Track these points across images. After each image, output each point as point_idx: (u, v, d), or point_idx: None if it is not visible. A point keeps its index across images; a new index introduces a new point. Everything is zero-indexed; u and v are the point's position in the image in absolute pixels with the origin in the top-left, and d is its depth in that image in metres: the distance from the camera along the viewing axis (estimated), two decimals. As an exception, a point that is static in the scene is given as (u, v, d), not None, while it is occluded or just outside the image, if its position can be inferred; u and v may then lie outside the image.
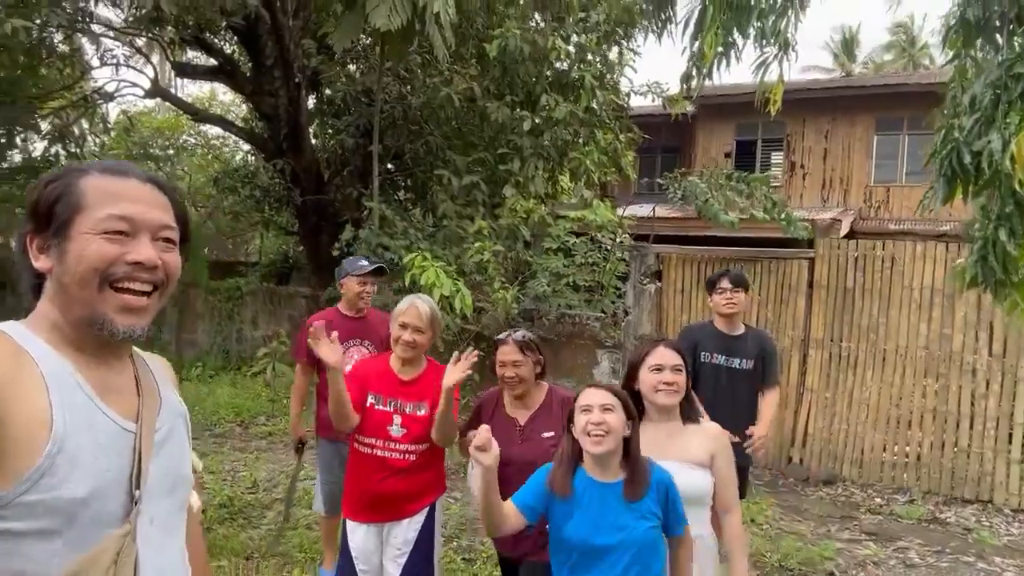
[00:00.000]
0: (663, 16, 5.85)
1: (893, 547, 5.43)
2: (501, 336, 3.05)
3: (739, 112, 14.23)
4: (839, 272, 7.15)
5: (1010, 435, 6.33)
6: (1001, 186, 3.48)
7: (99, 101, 11.16)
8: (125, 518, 1.11)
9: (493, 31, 8.54)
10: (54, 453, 1.03)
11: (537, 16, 9.89)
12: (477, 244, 7.44)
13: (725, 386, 4.12)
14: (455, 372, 2.78)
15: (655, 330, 7.92)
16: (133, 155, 13.69)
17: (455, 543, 5.00)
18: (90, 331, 1.16)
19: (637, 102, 11.13)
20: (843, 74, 24.71)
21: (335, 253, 7.93)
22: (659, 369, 2.57)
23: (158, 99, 13.21)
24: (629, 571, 2.17)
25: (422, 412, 2.96)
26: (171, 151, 17.57)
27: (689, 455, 2.53)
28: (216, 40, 11.98)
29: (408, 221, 8.41)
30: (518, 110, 8.78)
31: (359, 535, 3.05)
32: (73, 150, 10.55)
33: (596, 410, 2.23)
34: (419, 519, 3.01)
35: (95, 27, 9.24)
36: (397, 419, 2.96)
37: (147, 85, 11.40)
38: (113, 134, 13.41)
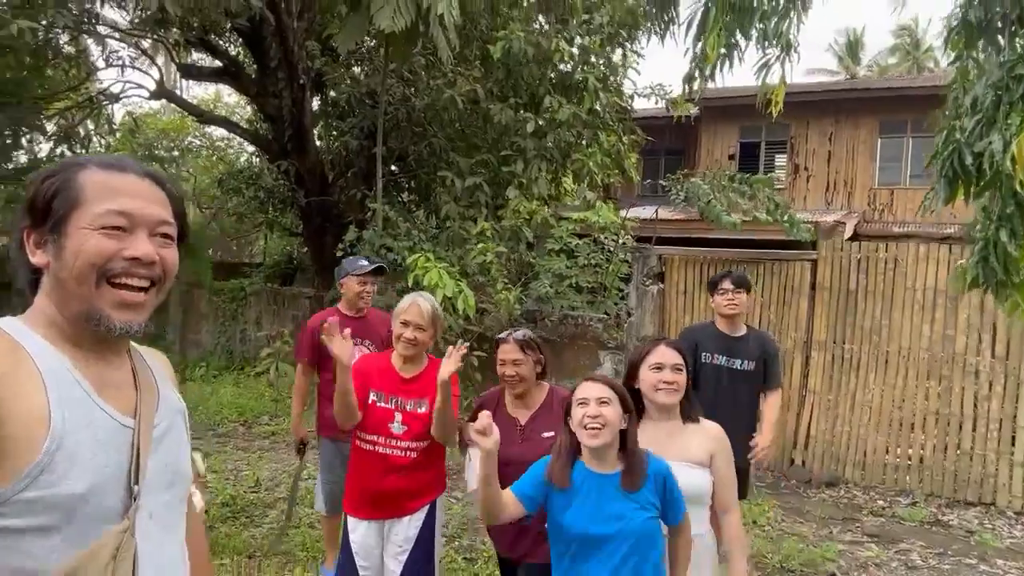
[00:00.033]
0: (666, 17, 5.85)
1: (895, 549, 5.42)
2: (502, 335, 3.05)
3: (743, 114, 14.23)
4: (842, 274, 7.15)
5: (1013, 437, 6.32)
6: (1002, 187, 3.48)
7: (104, 102, 11.21)
8: (124, 513, 1.11)
9: (497, 33, 8.56)
10: (53, 450, 1.03)
11: (541, 18, 9.92)
12: (480, 245, 7.46)
13: (726, 387, 4.12)
14: (449, 365, 2.79)
15: (658, 331, 7.93)
16: (138, 156, 13.72)
17: (456, 543, 5.01)
18: (87, 327, 1.16)
19: (641, 104, 11.13)
20: (847, 77, 24.72)
21: (339, 254, 7.95)
22: (659, 368, 2.57)
23: (163, 101, 13.26)
24: (627, 561, 2.18)
25: (423, 410, 2.97)
26: (176, 153, 17.69)
27: (689, 454, 2.53)
28: (221, 42, 12.05)
29: (411, 222, 8.44)
30: (521, 112, 8.80)
31: (360, 531, 3.06)
32: (78, 151, 10.59)
33: (592, 403, 2.24)
34: (420, 516, 3.03)
35: (101, 28, 9.29)
36: (398, 416, 2.98)
37: (152, 86, 11.47)
38: (118, 135, 13.47)
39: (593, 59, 9.22)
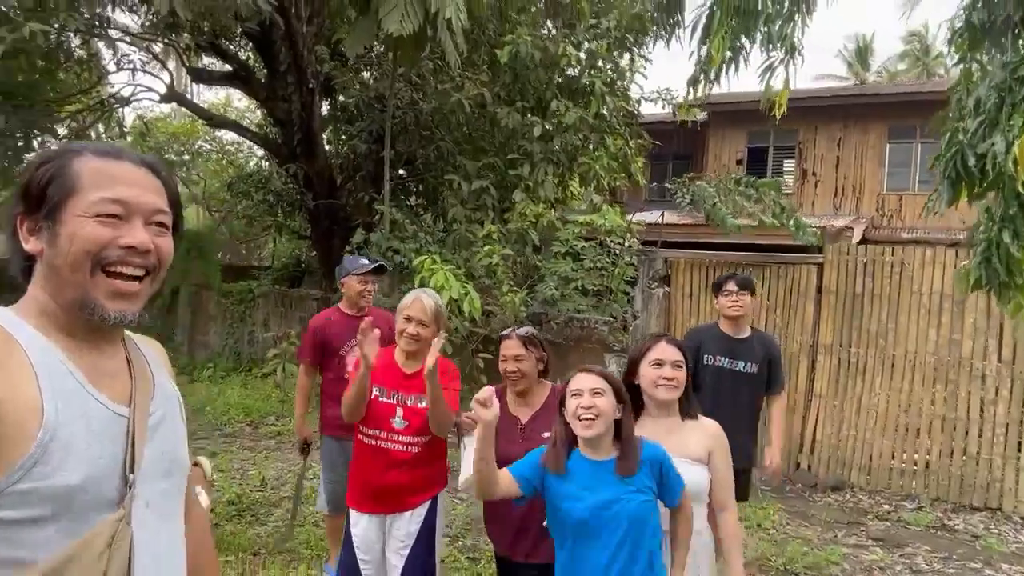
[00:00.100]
0: (671, 21, 5.89)
1: (900, 553, 5.41)
2: (505, 331, 3.07)
3: (751, 119, 14.24)
4: (848, 277, 7.13)
5: (1020, 442, 6.29)
6: (1004, 188, 3.49)
7: (115, 105, 11.32)
8: (120, 503, 1.10)
9: (504, 38, 8.61)
10: (46, 441, 1.02)
11: (548, 23, 9.97)
12: (486, 248, 7.49)
13: (727, 388, 4.09)
14: (430, 356, 2.81)
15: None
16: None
17: (460, 542, 5.03)
18: (81, 315, 1.14)
19: (649, 109, 11.19)
20: (857, 83, 24.67)
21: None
22: (659, 364, 2.59)
23: (174, 105, 13.40)
24: (623, 545, 2.21)
25: (424, 405, 3.00)
26: (186, 156, 17.80)
27: (687, 451, 2.54)
28: (231, 46, 12.16)
29: (418, 225, 8.49)
30: (528, 116, 8.84)
31: (361, 525, 3.09)
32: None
33: (586, 394, 2.28)
34: (421, 512, 3.05)
35: (112, 32, 9.38)
36: (400, 411, 3.01)
37: (163, 90, 11.57)
38: (129, 138, 13.59)
39: (600, 63, 9.26)
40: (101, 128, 11.54)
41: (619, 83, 9.65)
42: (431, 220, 9.15)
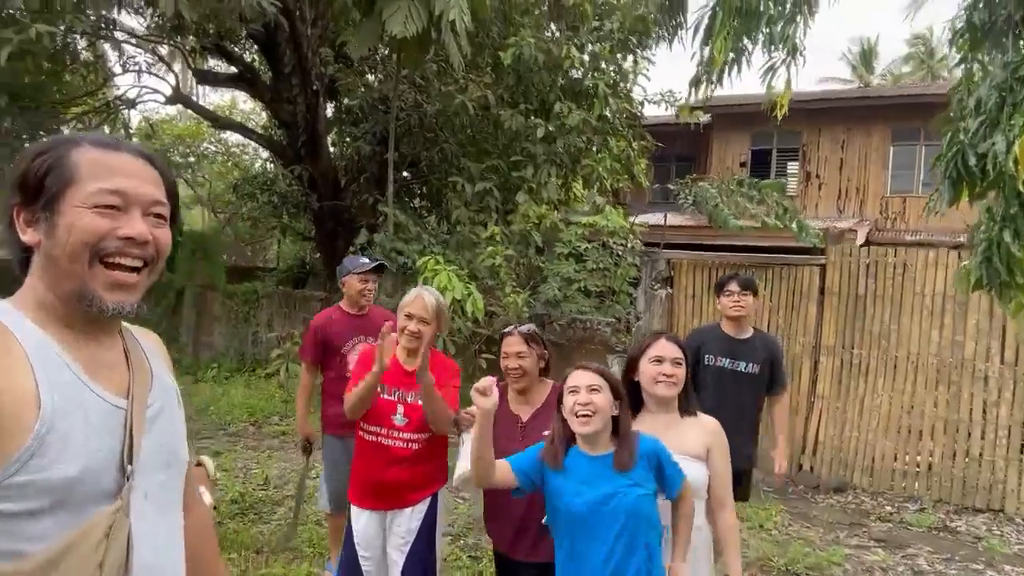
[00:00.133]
0: (674, 22, 5.91)
1: (902, 554, 5.40)
2: (507, 329, 3.08)
3: (754, 121, 14.25)
4: (851, 279, 7.13)
5: (1022, 444, 6.28)
6: (1005, 187, 3.49)
7: (121, 107, 11.38)
8: (118, 494, 1.10)
9: (508, 40, 8.64)
10: (43, 433, 1.02)
11: (552, 25, 10.00)
12: (489, 249, 7.51)
13: (729, 389, 4.07)
14: (419, 354, 2.85)
15: (665, 335, 7.91)
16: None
17: (462, 541, 5.04)
18: (79, 307, 1.14)
19: (653, 112, 11.24)
20: (861, 86, 24.64)
21: (350, 257, 8.03)
22: (659, 361, 2.60)
23: (179, 107, 13.46)
24: (620, 538, 2.22)
25: None
26: (192, 158, 17.89)
27: (685, 447, 2.55)
28: (236, 48, 12.22)
29: (422, 226, 8.52)
30: (532, 118, 8.87)
31: (362, 521, 3.11)
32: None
33: (583, 391, 2.29)
34: (422, 508, 3.06)
35: (118, 34, 9.44)
36: (400, 408, 3.02)
37: (169, 92, 11.63)
38: (135, 140, 13.64)
39: (603, 65, 9.29)
40: (107, 130, 11.58)
41: (622, 85, 9.68)
42: (435, 222, 9.18)
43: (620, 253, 8.37)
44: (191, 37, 10.68)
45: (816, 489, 6.93)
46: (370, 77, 11.05)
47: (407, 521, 3.05)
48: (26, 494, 1.00)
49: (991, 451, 6.38)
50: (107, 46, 10.04)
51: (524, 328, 3.06)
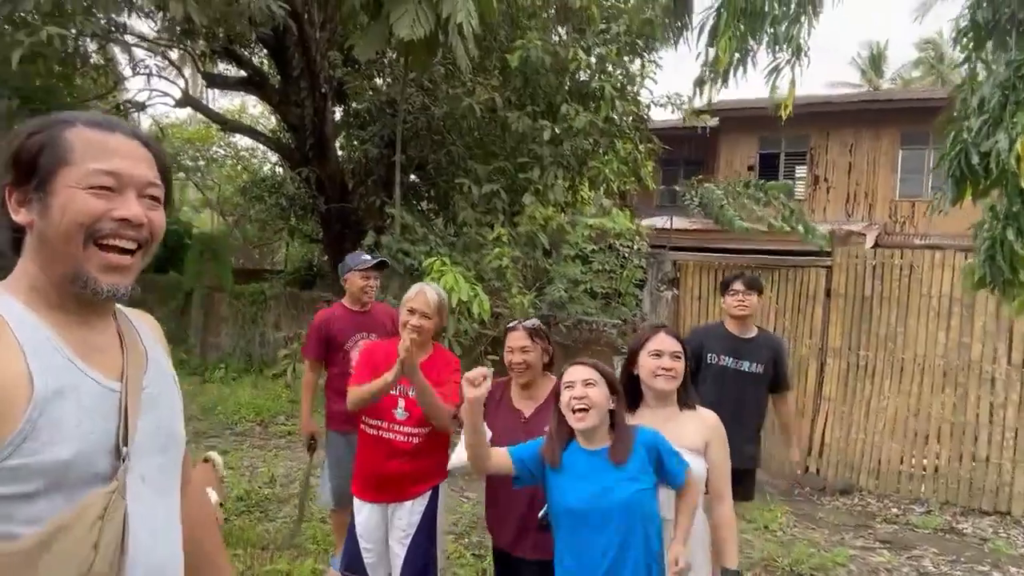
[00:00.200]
0: (679, 24, 5.93)
1: (907, 555, 5.39)
2: (511, 324, 3.10)
3: (762, 125, 14.23)
4: (857, 280, 7.12)
5: (1030, 446, 6.27)
6: (1008, 185, 3.50)
7: (131, 110, 11.47)
8: (113, 477, 1.09)
9: (515, 43, 8.68)
10: (35, 417, 1.01)
11: (559, 28, 10.03)
12: (496, 250, 7.54)
13: (731, 388, 4.04)
14: (400, 345, 2.84)
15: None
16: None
17: (466, 539, 5.06)
18: (72, 288, 1.13)
19: (661, 116, 11.30)
20: (870, 90, 24.57)
21: (357, 259, 8.07)
22: (658, 355, 2.61)
23: (189, 110, 13.55)
24: (618, 532, 2.22)
25: None
26: (201, 162, 18.01)
27: (684, 441, 2.55)
28: (245, 52, 12.30)
29: (428, 228, 8.55)
30: (539, 120, 8.89)
31: (364, 514, 3.15)
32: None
33: (578, 385, 2.31)
34: (422, 501, 3.09)
35: (128, 38, 9.52)
36: (401, 403, 3.05)
37: (178, 95, 11.72)
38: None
39: (610, 68, 9.31)
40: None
41: (629, 88, 9.69)
42: (442, 224, 9.21)
43: (626, 255, 8.38)
44: (201, 41, 10.77)
45: (822, 491, 6.91)
46: (378, 80, 11.11)
47: (408, 514, 3.07)
48: (19, 477, 1.00)
49: (998, 453, 6.35)
50: (117, 49, 10.14)
51: (528, 323, 3.07)
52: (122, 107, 11.47)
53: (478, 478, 3.51)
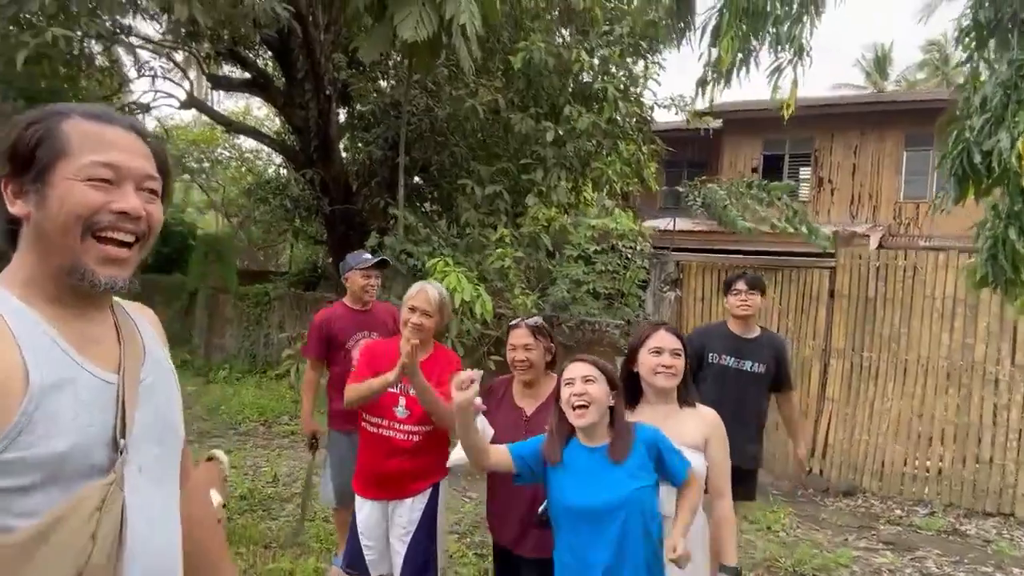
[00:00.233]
0: (681, 25, 5.94)
1: (910, 556, 5.38)
2: (514, 321, 3.10)
3: (766, 127, 14.22)
4: (860, 281, 7.10)
5: (1034, 447, 6.24)
6: (1010, 184, 3.49)
7: (136, 112, 11.51)
8: (111, 469, 1.09)
9: (518, 44, 8.70)
10: (31, 411, 1.01)
11: (562, 30, 10.04)
12: (499, 251, 7.54)
13: (732, 387, 4.03)
14: (402, 344, 2.86)
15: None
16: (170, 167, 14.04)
17: (468, 539, 5.07)
18: (70, 281, 1.12)
19: (665, 117, 11.30)
20: (875, 92, 24.53)
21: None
22: (658, 352, 2.62)
23: (194, 112, 13.59)
24: (619, 530, 2.22)
25: None
26: (206, 164, 18.06)
27: (684, 438, 2.55)
28: (250, 54, 12.34)
29: (432, 229, 8.56)
30: (542, 121, 8.90)
31: (365, 511, 3.17)
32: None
33: (578, 382, 2.31)
34: (423, 499, 3.10)
35: (133, 40, 9.56)
36: (402, 400, 3.06)
37: (183, 97, 11.76)
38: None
39: (613, 69, 9.32)
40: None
41: (632, 89, 9.70)
42: (445, 225, 9.23)
43: (629, 256, 8.38)
44: (205, 43, 10.81)
45: (825, 492, 6.90)
46: (382, 82, 11.13)
47: (408, 511, 3.09)
48: (15, 470, 1.00)
49: (1001, 455, 6.33)
50: (122, 51, 10.18)
51: (531, 321, 3.07)
52: (127, 108, 11.50)
53: (479, 475, 3.51)
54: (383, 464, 3.07)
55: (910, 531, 5.96)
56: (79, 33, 6.94)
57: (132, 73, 11.48)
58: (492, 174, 9.01)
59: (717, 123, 13.82)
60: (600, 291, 8.22)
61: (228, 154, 18.50)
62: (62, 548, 1.02)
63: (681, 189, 10.35)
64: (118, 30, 8.51)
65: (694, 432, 2.59)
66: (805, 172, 15.94)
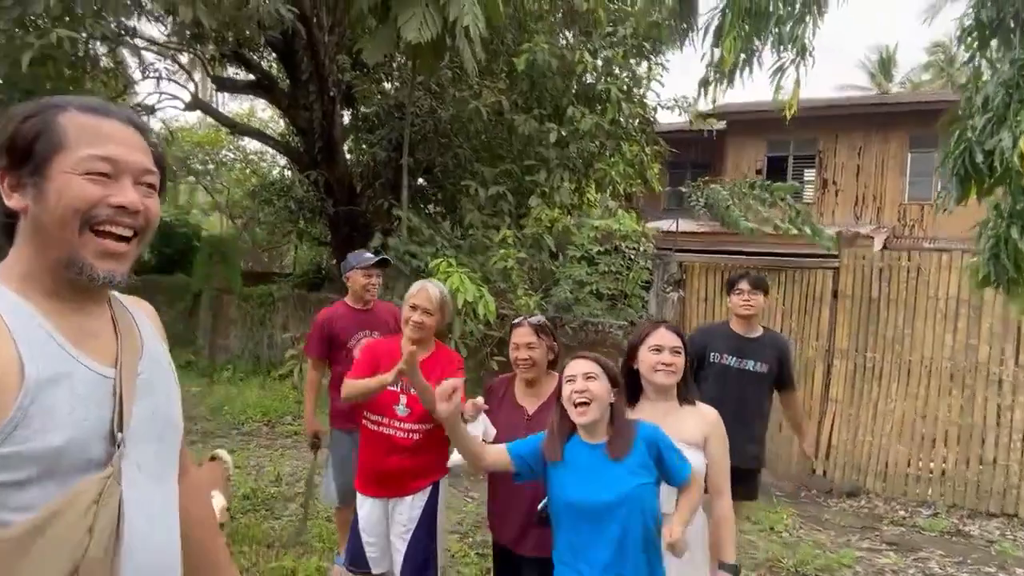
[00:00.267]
0: (684, 26, 5.95)
1: (913, 557, 5.36)
2: (517, 320, 3.10)
3: (770, 128, 14.20)
4: (864, 282, 7.09)
5: (1038, 448, 6.22)
6: (1012, 183, 3.49)
7: (141, 113, 11.54)
8: (108, 463, 1.08)
9: (522, 46, 8.71)
10: (27, 405, 1.01)
11: (566, 31, 10.06)
12: (502, 251, 7.55)
13: (733, 387, 4.01)
14: (403, 344, 2.88)
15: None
16: (173, 168, 14.11)
17: (470, 539, 5.07)
18: (67, 274, 1.12)
19: (669, 119, 11.24)
20: (879, 93, 24.48)
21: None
22: (658, 350, 2.62)
23: (199, 114, 13.62)
24: (619, 527, 2.23)
25: None
26: (211, 165, 18.10)
27: (683, 435, 2.55)
28: (254, 56, 12.37)
29: (435, 229, 8.58)
30: (545, 123, 8.92)
31: (366, 508, 3.19)
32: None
33: (579, 379, 2.32)
34: (423, 497, 3.11)
35: (138, 41, 9.60)
36: (403, 399, 3.07)
37: (188, 99, 11.80)
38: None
39: (616, 71, 9.33)
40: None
41: (636, 90, 9.71)
42: (449, 226, 9.25)
43: (632, 256, 8.38)
44: (210, 45, 10.82)
45: (828, 493, 6.89)
46: (386, 84, 11.17)
47: (408, 509, 3.10)
48: (11, 465, 0.99)
49: (1005, 455, 6.31)
50: (127, 53, 10.21)
51: (534, 319, 3.07)
52: (132, 110, 11.54)
53: (480, 476, 3.51)
54: (383, 462, 3.08)
55: (913, 532, 5.95)
56: (84, 35, 6.98)
57: (137, 75, 11.50)
58: (495, 175, 9.03)
59: (721, 124, 13.80)
60: (603, 292, 8.22)
61: (233, 156, 18.54)
62: (58, 542, 1.02)
63: (684, 190, 10.34)
64: (123, 32, 8.55)
65: (694, 430, 2.59)
66: (809, 174, 15.91)
